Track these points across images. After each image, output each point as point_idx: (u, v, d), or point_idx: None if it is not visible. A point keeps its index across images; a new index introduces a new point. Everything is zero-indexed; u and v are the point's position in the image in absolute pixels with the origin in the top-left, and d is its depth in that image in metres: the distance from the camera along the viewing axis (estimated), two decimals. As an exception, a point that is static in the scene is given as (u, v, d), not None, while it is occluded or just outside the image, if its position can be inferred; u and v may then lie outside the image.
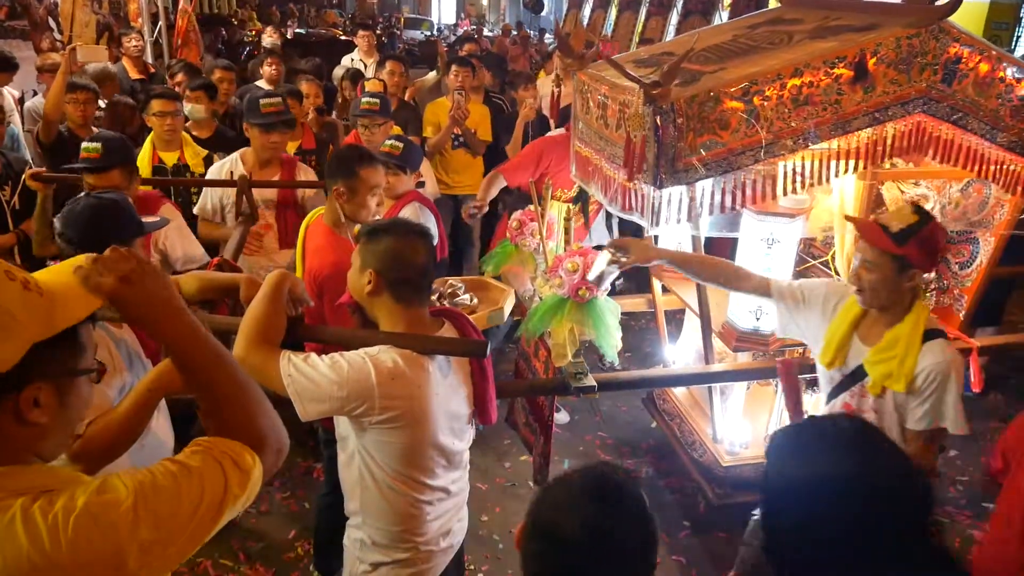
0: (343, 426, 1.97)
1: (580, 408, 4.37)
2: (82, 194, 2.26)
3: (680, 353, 3.59)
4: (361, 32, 7.07)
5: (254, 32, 12.17)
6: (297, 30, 13.65)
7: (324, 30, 15.85)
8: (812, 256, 3.37)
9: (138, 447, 1.95)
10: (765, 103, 2.42)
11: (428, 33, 21.37)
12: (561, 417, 4.22)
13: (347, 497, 2.08)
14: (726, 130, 2.45)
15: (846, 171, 2.56)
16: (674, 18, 14.29)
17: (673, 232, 3.42)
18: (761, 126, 2.45)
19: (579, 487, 1.32)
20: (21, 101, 5.39)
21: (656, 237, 3.52)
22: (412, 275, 1.92)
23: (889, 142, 2.54)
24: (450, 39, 16.98)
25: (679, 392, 3.56)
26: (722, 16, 11.64)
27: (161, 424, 2.20)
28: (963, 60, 2.44)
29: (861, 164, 2.61)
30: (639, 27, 15.67)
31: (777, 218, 2.74)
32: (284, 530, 3.43)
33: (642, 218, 2.64)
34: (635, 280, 4.98)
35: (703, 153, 2.46)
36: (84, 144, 2.90)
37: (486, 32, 17.31)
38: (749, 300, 2.83)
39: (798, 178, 2.59)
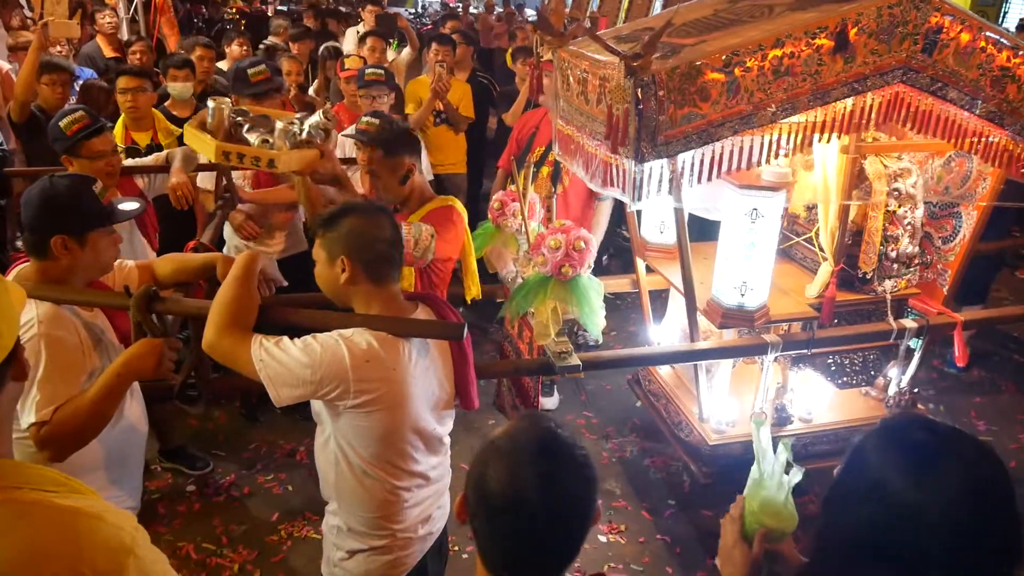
0: (318, 408, 1.94)
1: (565, 388, 4.36)
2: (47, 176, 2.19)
3: (665, 332, 3.57)
4: (370, 6, 7.01)
5: (234, 10, 11.94)
6: (279, 7, 13.42)
7: (307, 7, 15.55)
8: (796, 233, 3.35)
9: (108, 432, 1.92)
10: (746, 74, 2.39)
11: (412, 11, 21.07)
12: (551, 402, 4.21)
13: (322, 481, 2.04)
14: (706, 102, 2.41)
15: (827, 142, 2.55)
16: (660, -5, 14.16)
17: (655, 207, 3.39)
18: (741, 97, 2.42)
19: (528, 449, 1.23)
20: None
21: (638, 213, 3.50)
22: (384, 249, 1.87)
23: (868, 113, 2.52)
24: (424, 18, 16.80)
25: (664, 372, 3.54)
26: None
27: (134, 409, 2.16)
28: (944, 29, 2.40)
29: (840, 136, 2.59)
30: (625, 4, 15.53)
31: (760, 191, 2.71)
32: (267, 513, 3.41)
33: (623, 193, 2.61)
34: (619, 260, 4.96)
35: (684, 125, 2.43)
36: (64, 121, 2.82)
37: (472, 9, 17.07)
38: (734, 276, 2.81)
39: (779, 149, 2.57)
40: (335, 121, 2.81)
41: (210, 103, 2.72)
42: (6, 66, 5.19)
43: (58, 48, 5.38)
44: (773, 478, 1.66)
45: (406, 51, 6.45)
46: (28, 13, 6.56)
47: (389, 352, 1.79)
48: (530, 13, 18.72)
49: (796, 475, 1.67)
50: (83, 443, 1.80)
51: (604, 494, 3.58)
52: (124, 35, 6.45)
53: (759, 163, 2.63)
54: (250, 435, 3.93)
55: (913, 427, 1.21)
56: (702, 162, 2.54)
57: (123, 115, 3.86)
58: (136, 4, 6.89)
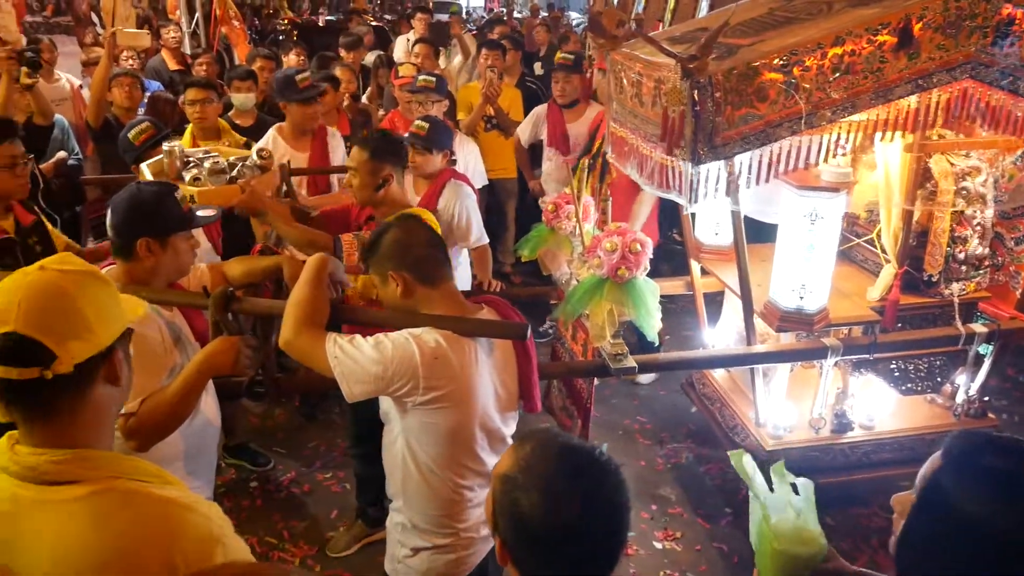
0: (386, 407, 1.99)
1: (618, 392, 4.36)
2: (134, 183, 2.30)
3: (720, 336, 3.54)
4: (419, 14, 7.15)
5: (286, 21, 12.23)
6: (328, 17, 13.70)
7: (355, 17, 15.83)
8: (856, 234, 3.29)
9: (187, 425, 2.00)
10: (805, 73, 2.37)
11: (457, 15, 21.30)
12: (646, 377, 4.26)
13: (389, 479, 2.09)
14: (764, 102, 2.41)
15: (891, 140, 2.51)
16: (708, -6, 14.05)
17: (709, 208, 3.38)
18: (800, 97, 2.41)
19: (557, 472, 1.19)
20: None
21: (692, 215, 3.49)
22: (424, 250, 1.93)
23: (934, 110, 2.48)
24: (467, 21, 16.90)
25: (719, 375, 3.51)
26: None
27: (209, 404, 2.24)
28: (1017, 21, 2.34)
29: (904, 134, 2.55)
30: (671, 5, 15.44)
31: (820, 193, 2.68)
32: (326, 510, 3.49)
33: (680, 196, 2.61)
34: (672, 263, 4.93)
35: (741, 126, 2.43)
36: (132, 132, 2.97)
37: (515, 14, 17.19)
38: (793, 279, 2.78)
39: (838, 148, 2.55)
40: (271, 159, 2.95)
41: (164, 146, 2.87)
42: (77, 81, 5.42)
43: (127, 58, 5.60)
44: (784, 505, 1.60)
45: (458, 58, 6.53)
46: (100, 30, 6.83)
47: (456, 351, 1.84)
48: (574, 16, 18.75)
49: (806, 489, 1.61)
50: (165, 435, 1.87)
51: (659, 500, 3.57)
52: (187, 48, 6.67)
53: (818, 163, 2.61)
54: (309, 434, 4.02)
55: (982, 451, 1.16)
56: (760, 163, 2.53)
57: (191, 125, 3.99)
58: (197, 18, 7.12)
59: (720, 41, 2.50)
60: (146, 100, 4.74)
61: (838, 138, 2.50)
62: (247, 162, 2.84)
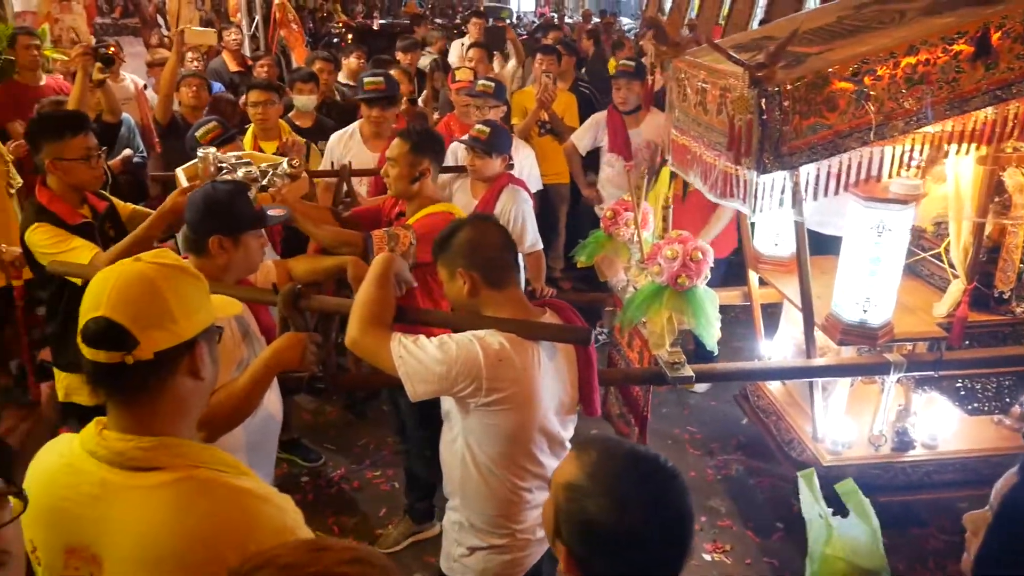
0: (448, 407, 2.01)
1: (668, 401, 4.32)
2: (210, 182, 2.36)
3: (777, 347, 3.49)
4: (474, 19, 7.22)
5: (340, 24, 12.43)
6: (381, 20, 13.89)
7: (407, 20, 16.05)
8: (922, 248, 3.22)
9: (251, 418, 2.04)
10: (876, 83, 2.34)
11: (508, 21, 21.39)
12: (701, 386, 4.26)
13: (447, 478, 2.11)
14: (833, 112, 2.38)
15: (965, 153, 2.45)
16: (762, 0, 13.91)
17: (770, 218, 3.33)
18: (871, 107, 2.37)
19: (625, 478, 1.19)
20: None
21: (751, 224, 3.45)
22: (495, 253, 1.95)
23: (1011, 122, 2.41)
24: (519, 28, 16.96)
25: (775, 387, 3.46)
26: (815, -1, 11.22)
27: (271, 398, 2.29)
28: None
29: (979, 146, 2.49)
30: (725, 10, 15.31)
31: (888, 205, 2.63)
32: (375, 507, 3.52)
33: (743, 205, 2.59)
34: (728, 273, 4.88)
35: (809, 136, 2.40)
36: (200, 132, 3.04)
37: (566, 19, 17.21)
38: (857, 292, 2.73)
39: (910, 160, 2.50)
40: (301, 167, 2.98)
41: (199, 152, 2.92)
42: (141, 82, 5.58)
43: (191, 59, 5.75)
44: (852, 525, 1.58)
45: (512, 63, 6.56)
46: (165, 32, 7.03)
47: (520, 353, 1.85)
48: (626, 22, 18.70)
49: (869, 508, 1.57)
50: (233, 426, 1.92)
51: (709, 512, 3.53)
52: (246, 50, 6.82)
53: (887, 175, 2.56)
54: (359, 432, 4.07)
55: None
56: (827, 174, 2.50)
57: (253, 125, 4.08)
58: (257, 21, 7.28)
59: (788, 49, 2.48)
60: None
61: (909, 149, 2.46)
62: (278, 170, 2.88)
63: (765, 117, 2.33)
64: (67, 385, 2.92)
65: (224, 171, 2.92)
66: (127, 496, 1.20)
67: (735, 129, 2.40)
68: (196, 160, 2.90)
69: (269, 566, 0.91)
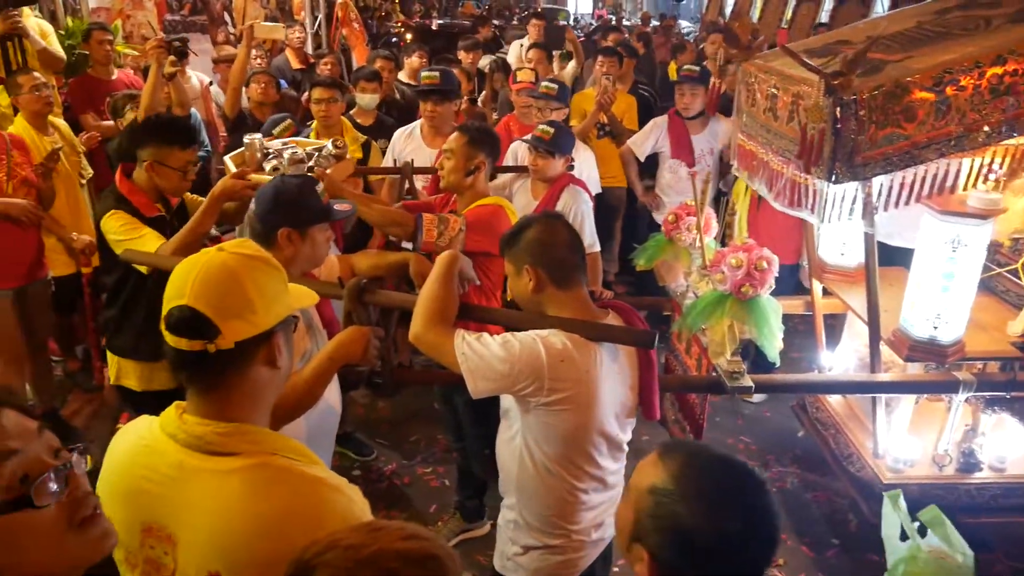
0: (507, 404, 2.01)
1: (721, 410, 4.26)
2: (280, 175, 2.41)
3: (839, 360, 3.41)
4: (534, 20, 7.22)
5: (399, 24, 12.55)
6: (439, 20, 13.98)
7: (465, 21, 16.15)
8: (998, 263, 3.11)
9: (312, 410, 2.07)
10: (959, 93, 2.26)
11: (565, 23, 21.35)
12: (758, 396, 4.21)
13: (503, 477, 2.11)
14: (912, 122, 2.31)
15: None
16: (827, 5, 13.64)
17: (838, 228, 3.26)
18: (952, 118, 2.29)
19: (718, 485, 1.19)
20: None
21: (820, 235, 3.38)
22: (563, 252, 1.95)
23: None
24: (577, 30, 16.90)
25: (835, 401, 3.38)
26: (883, 4, 10.96)
27: (332, 390, 2.32)
28: None
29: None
30: (788, 14, 15.05)
31: (964, 219, 2.54)
32: (425, 503, 3.55)
33: (811, 214, 2.53)
34: (789, 282, 4.79)
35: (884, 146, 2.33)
36: (276, 129, 3.11)
37: (624, 21, 17.10)
38: (927, 307, 2.65)
39: (989, 173, 2.42)
40: (345, 147, 2.99)
41: (245, 138, 2.95)
42: (206, 79, 5.71)
43: (255, 56, 5.86)
44: (939, 551, 1.53)
45: (571, 64, 6.53)
46: (231, 29, 7.19)
47: (582, 354, 1.84)
48: (685, 25, 18.50)
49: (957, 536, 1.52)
50: (295, 416, 1.95)
51: (762, 523, 3.46)
52: (309, 48, 6.94)
53: (965, 188, 2.48)
54: (411, 428, 4.10)
55: None
56: (901, 185, 2.43)
57: (315, 122, 4.15)
58: (320, 20, 7.40)
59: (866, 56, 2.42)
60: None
61: (990, 162, 2.37)
62: (323, 152, 2.92)
63: (839, 126, 2.27)
64: (118, 369, 3.01)
65: (270, 155, 2.97)
66: (203, 479, 1.23)
67: (807, 137, 2.35)
68: (243, 148, 2.95)
69: (334, 548, 0.96)
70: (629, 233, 5.40)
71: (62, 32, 5.50)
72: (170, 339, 1.25)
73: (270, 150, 2.94)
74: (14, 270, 3.60)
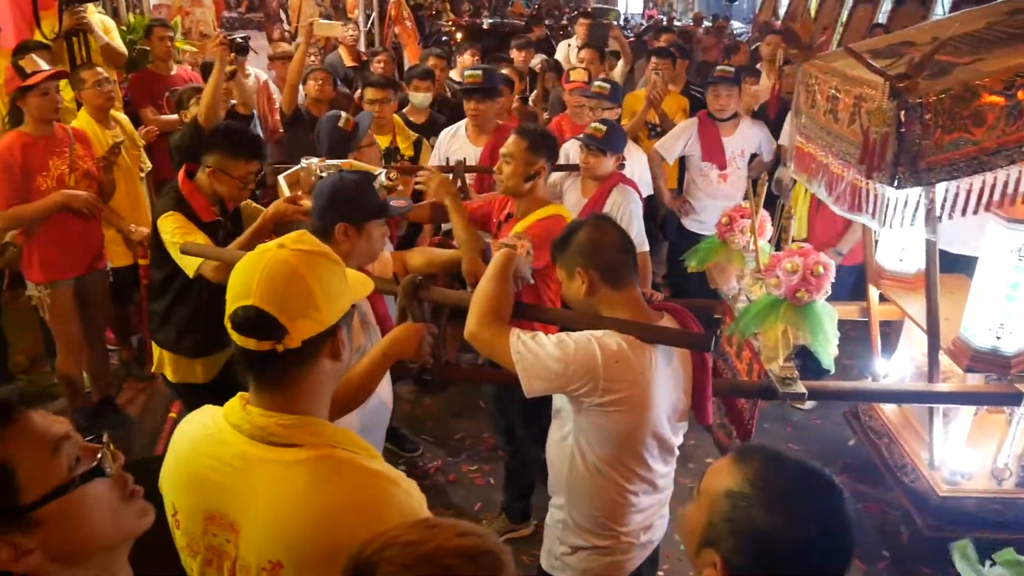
0: (560, 404, 2.01)
1: (769, 416, 4.19)
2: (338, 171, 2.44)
3: (894, 368, 3.34)
4: (581, 20, 7.20)
5: (450, 22, 12.62)
6: (490, 19, 14.03)
7: (515, 20, 16.18)
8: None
9: (364, 404, 2.09)
10: (1032, 97, 2.19)
11: (616, 23, 21.22)
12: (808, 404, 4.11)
13: (553, 477, 2.11)
14: (980, 127, 2.25)
15: None
16: (886, 6, 13.30)
17: (899, 233, 3.19)
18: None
19: (796, 490, 1.17)
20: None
21: (877, 241, 3.31)
22: (614, 253, 1.94)
23: None
24: (627, 30, 16.77)
25: (889, 409, 3.31)
26: (944, 5, 10.65)
27: (384, 386, 2.34)
28: None
29: None
30: (844, 15, 14.71)
31: (1033, 227, 2.47)
32: (470, 501, 3.56)
33: (872, 219, 2.48)
34: (844, 287, 4.71)
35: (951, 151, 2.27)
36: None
37: (675, 22, 16.95)
38: (990, 317, 2.58)
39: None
40: (397, 180, 2.96)
41: (303, 161, 2.98)
42: (263, 76, 5.81)
43: (309, 54, 5.96)
44: None
45: (620, 64, 6.50)
46: (287, 27, 7.32)
47: (637, 356, 1.83)
48: (737, 26, 18.25)
49: None
50: (349, 410, 1.97)
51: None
52: (361, 46, 7.02)
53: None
54: (457, 425, 4.13)
55: None
56: (967, 192, 2.36)
57: (369, 120, 4.18)
58: (373, 18, 7.48)
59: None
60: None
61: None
62: (375, 182, 2.93)
63: (903, 130, 2.23)
64: (159, 359, 3.12)
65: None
66: (266, 469, 1.25)
67: (870, 141, 2.30)
68: (298, 167, 2.98)
69: (393, 545, 0.97)
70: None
71: (124, 28, 5.64)
72: (237, 339, 1.26)
73: (324, 174, 2.98)
74: (75, 260, 3.69)
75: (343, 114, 2.99)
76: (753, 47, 8.24)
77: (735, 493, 1.18)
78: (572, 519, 2.05)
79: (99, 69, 4.10)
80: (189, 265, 2.74)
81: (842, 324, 3.57)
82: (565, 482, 2.03)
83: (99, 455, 1.05)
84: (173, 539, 1.37)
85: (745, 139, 4.62)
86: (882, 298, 3.29)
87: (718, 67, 4.75)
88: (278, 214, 2.71)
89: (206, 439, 1.33)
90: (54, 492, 1.00)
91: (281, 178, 2.98)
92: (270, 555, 1.23)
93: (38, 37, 4.38)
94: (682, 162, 4.91)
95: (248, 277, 1.27)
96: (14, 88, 3.42)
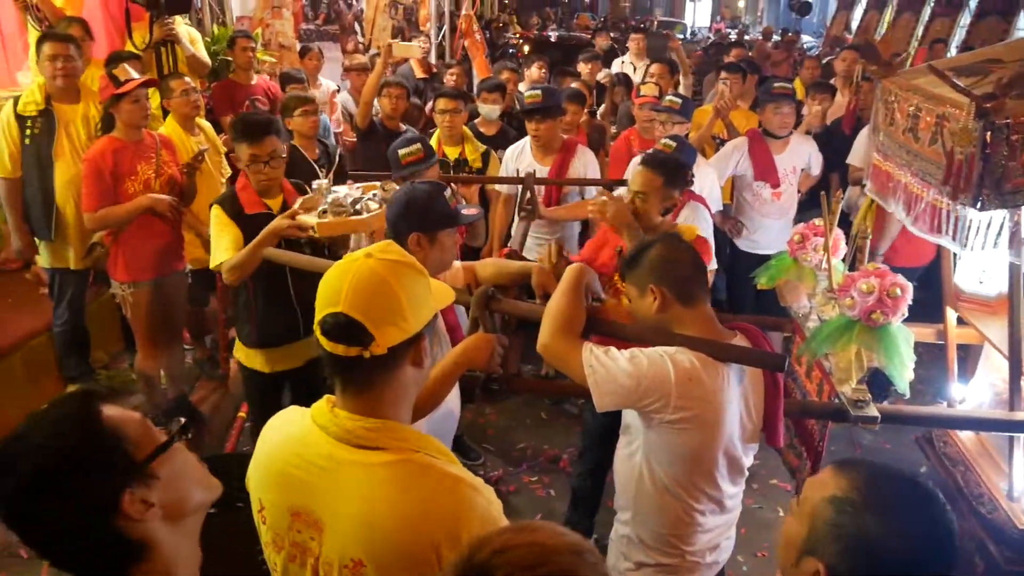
0: (629, 420, 2.01)
1: (839, 437, 4.10)
2: (408, 183, 2.50)
3: (972, 393, 3.23)
4: (633, 35, 7.20)
5: (517, 35, 12.75)
6: (557, 32, 14.12)
7: (580, 33, 16.22)
8: None
9: (433, 412, 2.13)
10: None
11: (682, 36, 21.06)
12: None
13: (620, 492, 2.12)
14: (1070, 149, 2.17)
15: None
16: (965, 19, 12.90)
17: (980, 256, 3.09)
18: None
19: (905, 502, 1.19)
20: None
21: (954, 258, 3.22)
22: (687, 270, 1.95)
23: None
24: (694, 43, 16.59)
25: (966, 436, 3.20)
26: (1028, 18, 10.29)
27: (452, 395, 2.38)
28: None
29: None
30: (920, 29, 14.33)
31: None
32: (531, 512, 3.58)
33: (953, 241, 2.42)
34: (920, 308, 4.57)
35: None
36: (403, 151, 3.18)
37: (745, 36, 16.73)
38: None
39: None
40: (391, 191, 2.96)
41: (314, 184, 3.04)
42: (333, 86, 5.97)
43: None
44: None
45: (682, 79, 6.46)
46: (360, 39, 7.51)
47: (710, 374, 1.83)
48: (807, 40, 17.91)
49: None
50: (418, 418, 2.00)
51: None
52: (432, 58, 7.16)
53: None
54: (519, 435, 4.16)
55: None
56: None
57: (439, 131, 4.27)
58: (444, 31, 7.62)
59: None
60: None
61: None
62: (364, 200, 2.94)
63: (988, 151, 2.17)
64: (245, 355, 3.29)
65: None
66: (351, 470, 1.29)
67: (954, 162, 2.25)
68: (311, 193, 3.04)
69: (508, 549, 0.96)
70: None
71: (208, 39, 5.89)
72: (326, 344, 1.31)
73: (328, 195, 3.03)
74: (157, 261, 3.84)
75: (450, 189, 2.57)
76: (824, 61, 8.09)
77: (840, 499, 1.19)
78: (637, 535, 2.05)
79: (186, 79, 4.28)
80: (213, 258, 2.95)
81: (919, 347, 3.49)
82: (632, 498, 2.04)
83: (181, 420, 1.18)
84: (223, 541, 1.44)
85: (796, 155, 4.52)
86: (960, 321, 3.19)
87: (776, 83, 4.61)
88: (275, 230, 2.82)
89: (294, 438, 1.38)
90: (159, 449, 1.13)
91: (298, 201, 3.00)
92: (353, 554, 1.27)
93: (129, 47, 4.61)
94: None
95: (337, 285, 1.31)
96: (108, 96, 3.59)
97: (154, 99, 4.56)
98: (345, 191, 3.02)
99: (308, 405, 1.43)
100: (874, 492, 1.18)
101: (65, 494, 1.05)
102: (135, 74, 3.60)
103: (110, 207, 3.57)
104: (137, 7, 4.60)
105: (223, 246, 2.94)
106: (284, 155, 3.09)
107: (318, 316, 1.33)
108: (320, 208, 2.92)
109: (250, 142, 2.97)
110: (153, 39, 4.54)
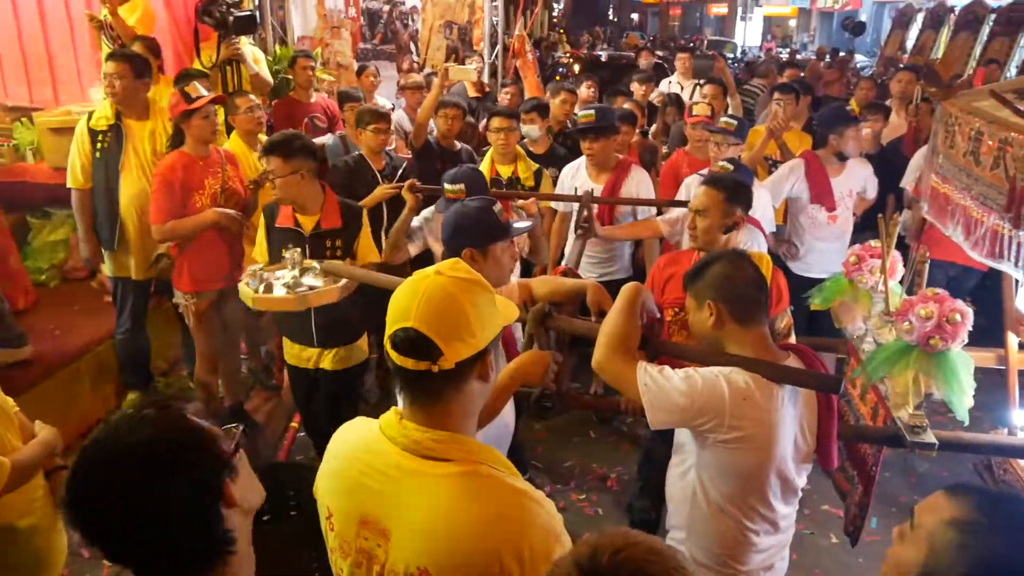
0: (682, 439, 2.03)
1: (892, 464, 4.02)
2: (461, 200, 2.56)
3: (1034, 421, 3.16)
4: (680, 54, 7.21)
5: (568, 54, 12.84)
6: (607, 51, 14.19)
7: (629, 52, 16.26)
8: None
9: (488, 426, 2.18)
10: None
11: (732, 55, 20.96)
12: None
13: (673, 510, 2.13)
14: None
15: None
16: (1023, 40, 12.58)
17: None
18: None
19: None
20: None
21: (1016, 282, 3.16)
22: (747, 289, 1.95)
23: None
24: (742, 59, 16.45)
25: (1026, 465, 3.13)
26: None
27: (507, 409, 2.42)
28: None
29: None
30: (977, 49, 14.03)
31: None
32: (579, 530, 3.52)
33: (1015, 267, 2.39)
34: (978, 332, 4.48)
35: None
36: (449, 187, 3.15)
37: (798, 56, 16.59)
38: None
39: None
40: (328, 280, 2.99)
41: (287, 254, 3.07)
42: (389, 104, 6.09)
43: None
44: None
45: (729, 99, 6.45)
46: (415, 58, 7.67)
47: (764, 395, 1.84)
48: (860, 59, 17.67)
49: None
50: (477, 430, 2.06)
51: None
52: (485, 77, 7.28)
53: None
54: (567, 453, 4.17)
55: None
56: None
57: (492, 149, 4.34)
58: (497, 50, 7.75)
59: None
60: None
61: None
62: (304, 275, 3.03)
63: (1053, 174, 2.15)
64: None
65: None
66: (418, 480, 1.34)
67: (1016, 189, 2.23)
68: (284, 259, 3.10)
69: (625, 548, 1.01)
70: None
71: (270, 58, 6.08)
72: (396, 358, 1.36)
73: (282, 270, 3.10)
74: (219, 273, 3.96)
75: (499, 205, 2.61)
76: (879, 82, 7.98)
77: (962, 521, 1.20)
78: (691, 554, 2.05)
79: (251, 96, 4.43)
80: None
81: (975, 371, 3.42)
82: (686, 517, 2.05)
83: (240, 427, 1.26)
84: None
85: (853, 178, 4.43)
86: (1021, 346, 3.13)
87: (843, 106, 4.58)
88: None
89: (363, 448, 1.44)
90: (238, 444, 1.22)
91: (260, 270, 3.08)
92: (418, 562, 1.31)
93: (196, 66, 4.80)
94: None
95: (408, 301, 1.37)
96: (179, 111, 3.74)
97: (220, 115, 4.74)
98: (287, 272, 3.08)
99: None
100: (998, 513, 1.19)
101: (178, 483, 1.11)
102: (205, 91, 3.74)
103: (178, 219, 3.69)
104: (205, 27, 4.79)
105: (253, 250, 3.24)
106: (291, 174, 3.18)
107: (388, 331, 1.38)
108: (262, 283, 3.00)
109: (267, 157, 3.22)
110: (220, 58, 4.71)
